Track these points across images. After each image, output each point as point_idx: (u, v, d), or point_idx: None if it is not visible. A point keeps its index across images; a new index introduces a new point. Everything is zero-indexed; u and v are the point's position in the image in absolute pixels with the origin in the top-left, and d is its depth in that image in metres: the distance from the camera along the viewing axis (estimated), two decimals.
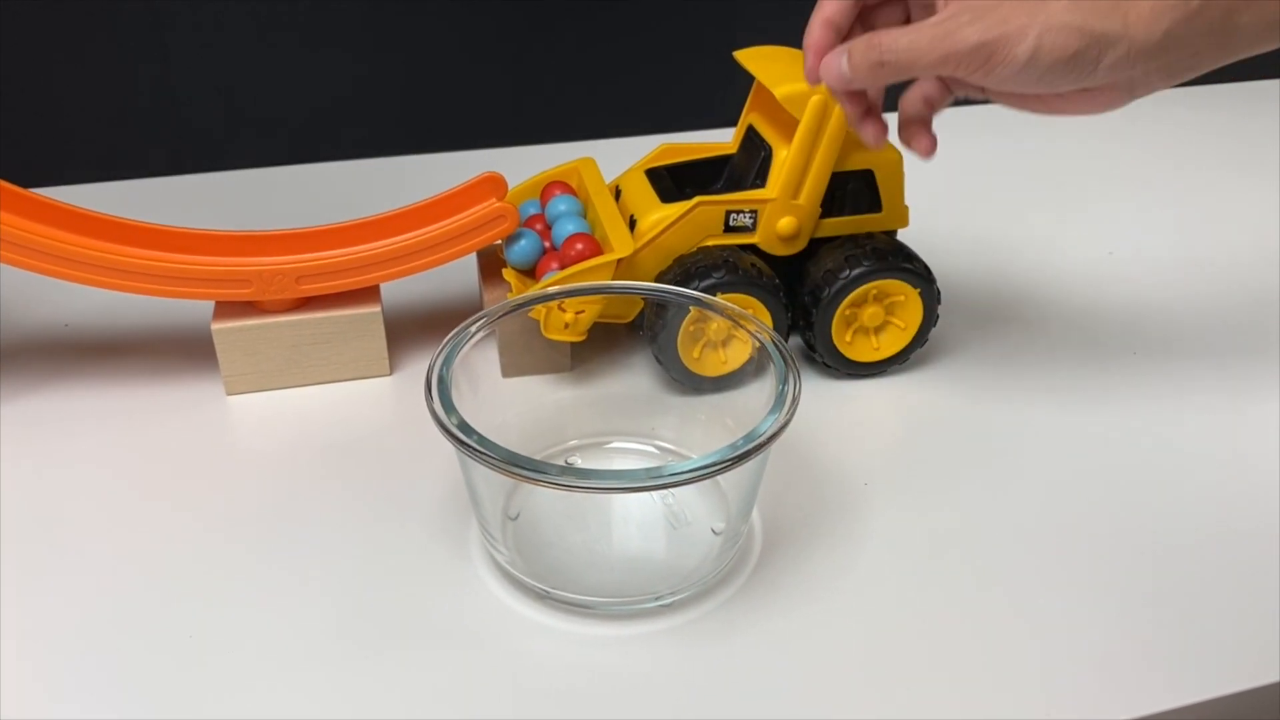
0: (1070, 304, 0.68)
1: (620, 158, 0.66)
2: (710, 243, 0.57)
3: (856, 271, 0.57)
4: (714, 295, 0.53)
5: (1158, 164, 0.91)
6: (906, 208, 0.60)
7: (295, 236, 0.58)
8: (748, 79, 0.61)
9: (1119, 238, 0.77)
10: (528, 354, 0.58)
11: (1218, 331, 0.66)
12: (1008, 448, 0.55)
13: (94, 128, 0.92)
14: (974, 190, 0.85)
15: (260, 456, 0.54)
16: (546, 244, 0.59)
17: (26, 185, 0.55)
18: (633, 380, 0.58)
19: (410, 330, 0.64)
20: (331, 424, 0.57)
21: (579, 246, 0.56)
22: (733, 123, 0.65)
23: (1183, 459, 0.55)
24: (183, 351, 0.62)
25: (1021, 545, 0.49)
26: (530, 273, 0.59)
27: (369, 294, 0.59)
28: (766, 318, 0.57)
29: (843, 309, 0.57)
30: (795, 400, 0.44)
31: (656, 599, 0.45)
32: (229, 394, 0.58)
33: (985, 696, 0.41)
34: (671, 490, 0.50)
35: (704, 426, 0.53)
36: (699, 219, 0.57)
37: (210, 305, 0.58)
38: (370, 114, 0.98)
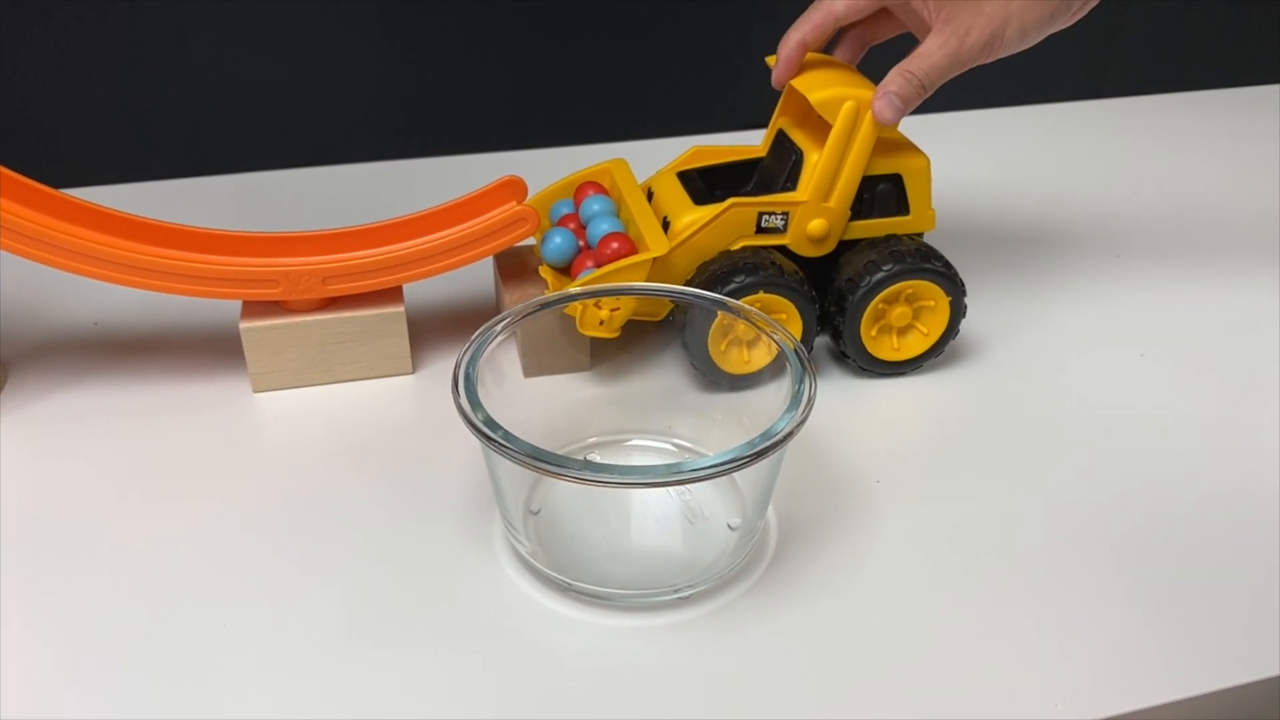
0: (1080, 307, 0.69)
1: (642, 160, 0.67)
2: (741, 244, 0.58)
3: (899, 267, 0.58)
4: (751, 294, 0.56)
5: (1161, 167, 0.91)
6: (933, 211, 0.61)
7: (321, 238, 0.59)
8: (769, 81, 0.62)
9: (1127, 241, 0.78)
10: (550, 353, 0.59)
11: (1220, 331, 0.67)
12: (1018, 448, 0.57)
13: (121, 130, 0.93)
14: (980, 194, 0.86)
15: (286, 452, 0.55)
16: (581, 243, 0.61)
17: (56, 186, 0.56)
18: (651, 379, 0.59)
19: (431, 330, 0.65)
20: (356, 420, 0.58)
21: (614, 245, 0.57)
22: (753, 125, 0.66)
23: (1192, 460, 0.56)
24: (211, 349, 0.63)
25: (1033, 543, 0.50)
26: (566, 271, 0.60)
27: (392, 294, 0.61)
28: (797, 318, 0.58)
29: (876, 303, 0.58)
30: (811, 401, 0.45)
31: (674, 592, 0.46)
32: (256, 391, 0.60)
33: (996, 692, 0.42)
34: (689, 486, 0.51)
35: (721, 425, 0.54)
36: (732, 220, 0.58)
37: (238, 305, 0.60)
38: (392, 116, 0.99)
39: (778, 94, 0.63)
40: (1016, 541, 0.50)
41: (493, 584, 0.47)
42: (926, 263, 0.58)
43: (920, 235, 0.61)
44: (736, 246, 0.58)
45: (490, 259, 0.63)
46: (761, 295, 0.57)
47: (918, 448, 0.56)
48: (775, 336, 0.49)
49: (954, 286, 0.59)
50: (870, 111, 0.56)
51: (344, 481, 0.53)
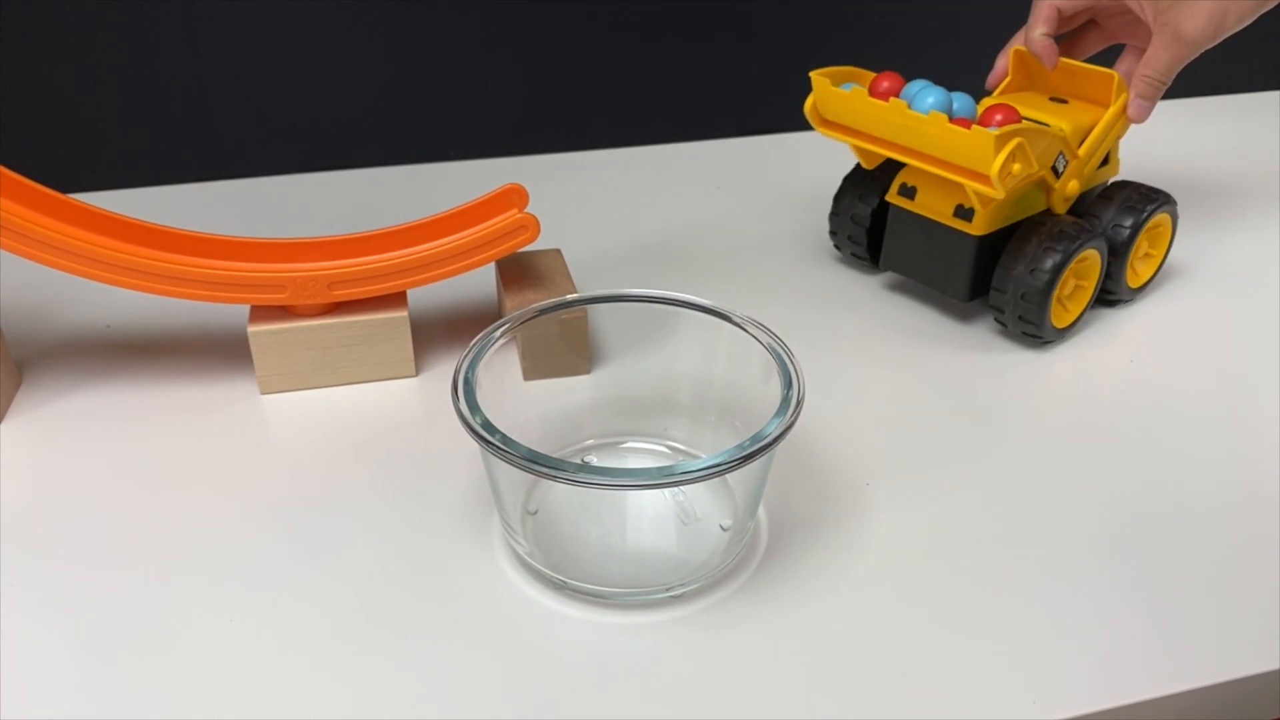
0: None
1: (650, 165, 0.68)
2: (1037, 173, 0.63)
3: (1152, 207, 0.67)
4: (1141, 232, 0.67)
5: (1164, 171, 0.92)
6: (1119, 159, 0.71)
7: (327, 244, 0.61)
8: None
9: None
10: (549, 358, 0.60)
11: (1221, 332, 0.68)
12: (1006, 449, 0.58)
13: (132, 136, 0.94)
14: None
15: (292, 453, 0.57)
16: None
17: (68, 191, 0.58)
18: (647, 384, 0.60)
19: (434, 333, 0.67)
20: (360, 422, 0.59)
21: (999, 117, 0.60)
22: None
23: (1180, 459, 0.57)
24: (219, 352, 0.64)
25: (1019, 543, 0.51)
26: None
27: (396, 299, 0.62)
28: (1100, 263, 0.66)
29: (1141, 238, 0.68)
30: (799, 404, 0.46)
31: (667, 590, 0.48)
32: (263, 393, 0.61)
33: (982, 689, 0.44)
34: (682, 487, 0.52)
35: (714, 428, 0.55)
36: (1056, 145, 0.63)
37: (246, 309, 0.61)
38: (399, 122, 1.00)
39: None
40: (1003, 542, 0.51)
41: (491, 582, 0.49)
42: (1157, 195, 0.68)
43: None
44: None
45: (492, 264, 0.64)
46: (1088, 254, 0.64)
47: (907, 450, 0.57)
48: (763, 340, 0.50)
49: (1172, 204, 0.69)
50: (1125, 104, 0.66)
51: (348, 481, 0.55)
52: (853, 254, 0.75)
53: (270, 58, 0.94)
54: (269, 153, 0.97)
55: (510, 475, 0.48)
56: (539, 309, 0.54)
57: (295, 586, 0.48)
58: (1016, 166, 0.58)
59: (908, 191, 0.68)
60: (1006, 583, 0.49)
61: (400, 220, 0.62)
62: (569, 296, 0.56)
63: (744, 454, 0.43)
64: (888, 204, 0.69)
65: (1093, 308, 0.68)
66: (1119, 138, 0.69)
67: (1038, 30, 0.69)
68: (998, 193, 0.59)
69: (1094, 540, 0.51)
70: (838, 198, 0.74)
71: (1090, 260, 0.65)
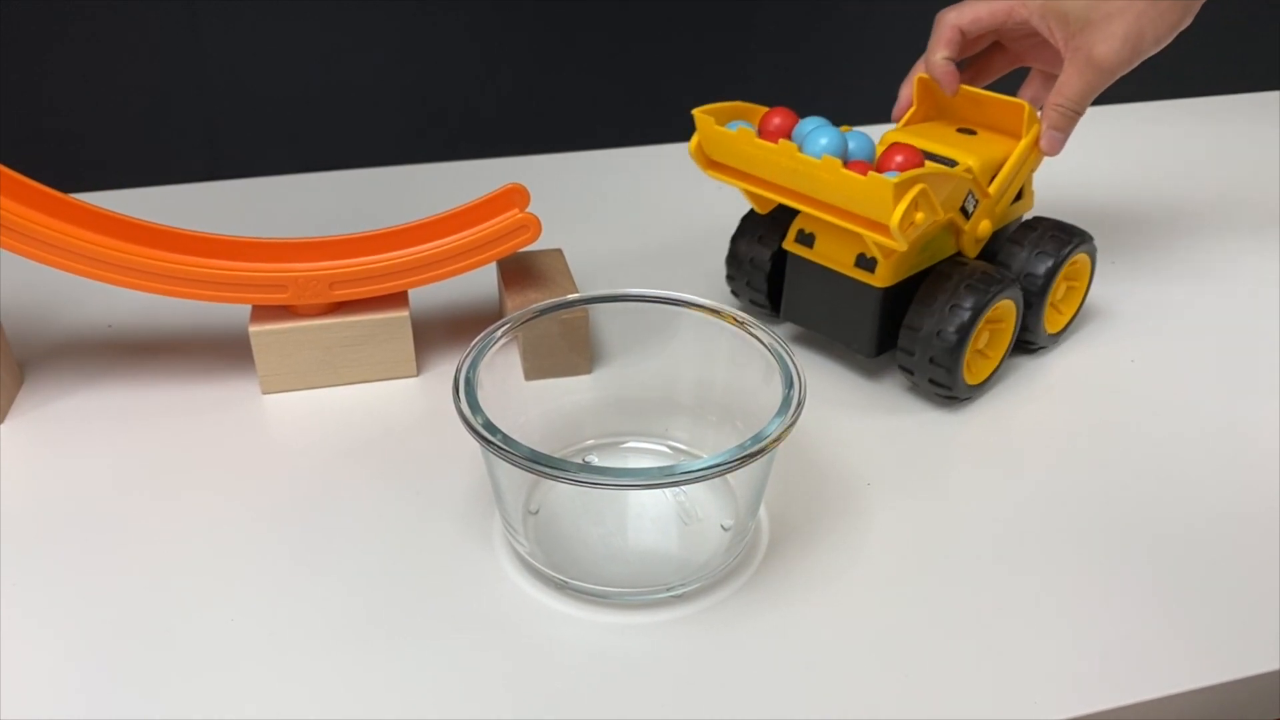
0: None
1: (650, 165, 0.68)
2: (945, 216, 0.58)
3: (1068, 249, 0.63)
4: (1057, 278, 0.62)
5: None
6: (1034, 193, 0.66)
7: (329, 244, 0.61)
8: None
9: (1121, 246, 0.79)
10: (549, 358, 0.60)
11: (1220, 333, 0.68)
12: (1005, 450, 0.58)
13: (135, 136, 0.95)
14: None
15: (294, 452, 0.57)
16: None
17: (70, 191, 0.58)
18: (648, 383, 0.60)
19: (435, 333, 0.67)
20: (361, 422, 0.59)
21: (900, 159, 0.56)
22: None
23: (1182, 461, 0.57)
24: (221, 352, 0.65)
25: (1019, 544, 0.51)
26: None
27: (397, 299, 0.62)
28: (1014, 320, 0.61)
29: (1058, 280, 0.63)
30: (800, 404, 0.46)
31: (668, 590, 0.48)
32: (264, 393, 0.61)
33: (981, 688, 0.44)
34: (683, 487, 0.52)
35: (715, 428, 0.55)
36: (964, 186, 0.59)
37: (247, 309, 0.61)
38: (401, 122, 1.00)
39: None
40: (1003, 542, 0.51)
41: (492, 582, 0.49)
42: (1074, 234, 0.63)
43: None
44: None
45: (493, 264, 0.65)
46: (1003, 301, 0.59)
47: (907, 450, 0.58)
48: (764, 341, 0.50)
49: (1089, 242, 0.64)
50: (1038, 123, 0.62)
51: (349, 481, 0.55)
52: (752, 301, 0.68)
53: (272, 58, 0.94)
54: (271, 152, 0.97)
55: (511, 475, 0.48)
56: (540, 309, 0.54)
57: (296, 586, 0.48)
58: (919, 215, 0.53)
59: (805, 239, 0.62)
60: (1005, 584, 0.49)
61: (401, 220, 0.62)
62: (570, 296, 0.56)
63: (745, 454, 0.43)
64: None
65: (1010, 356, 0.63)
66: (1032, 170, 0.64)
67: (939, 54, 0.64)
68: (899, 245, 0.54)
69: (1092, 540, 0.51)
70: (735, 239, 0.68)
71: (1005, 310, 0.60)
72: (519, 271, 0.65)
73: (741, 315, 0.52)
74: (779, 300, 0.66)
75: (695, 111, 0.60)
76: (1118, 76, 0.60)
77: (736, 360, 0.52)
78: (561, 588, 0.48)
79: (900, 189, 0.52)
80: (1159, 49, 0.60)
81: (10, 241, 0.55)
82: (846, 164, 0.55)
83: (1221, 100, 1.10)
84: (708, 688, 0.44)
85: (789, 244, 0.63)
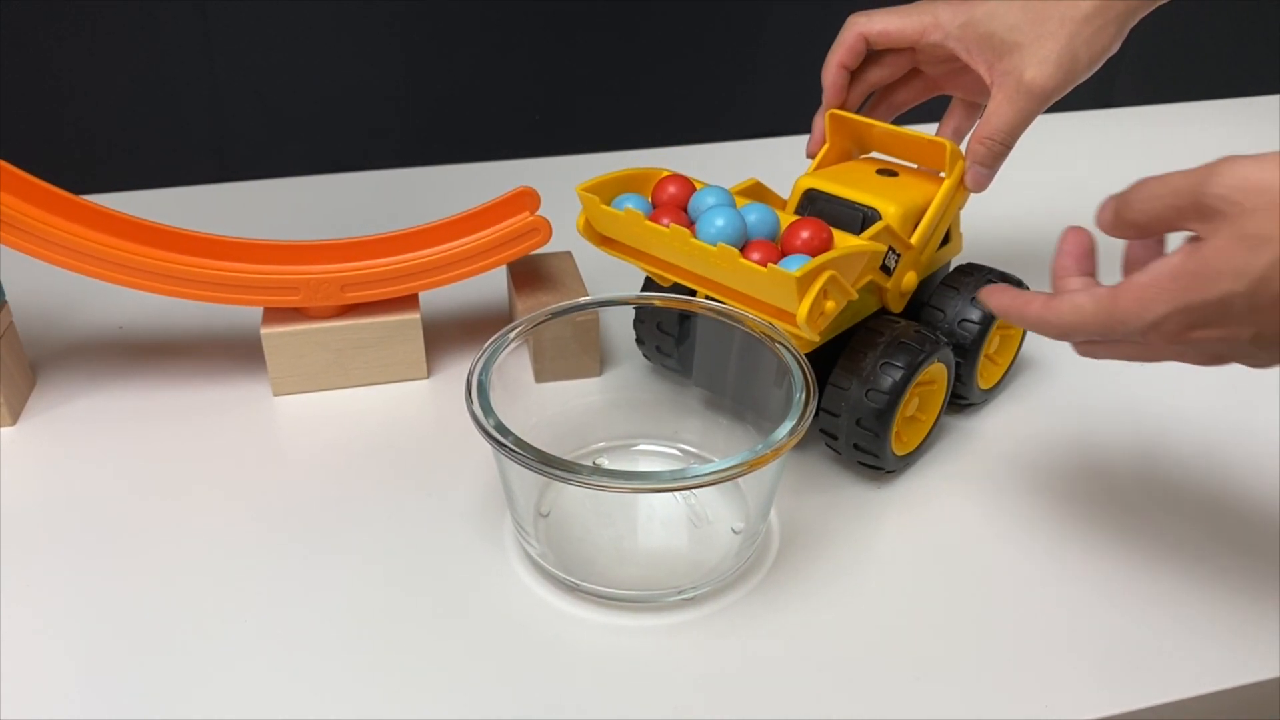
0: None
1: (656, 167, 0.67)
2: (866, 279, 0.53)
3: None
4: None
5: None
6: (961, 234, 0.61)
7: (340, 246, 0.61)
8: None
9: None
10: (561, 360, 0.60)
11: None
12: (1013, 456, 0.58)
13: (147, 137, 0.95)
14: (989, 204, 0.86)
15: (305, 454, 0.57)
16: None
17: (82, 192, 0.58)
18: (658, 386, 0.61)
19: (446, 336, 0.67)
20: (373, 424, 0.59)
21: (805, 234, 0.50)
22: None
23: (1188, 466, 0.57)
24: (232, 354, 0.65)
25: (1026, 548, 0.51)
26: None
27: (408, 301, 0.62)
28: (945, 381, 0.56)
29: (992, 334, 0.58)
30: (812, 409, 0.46)
31: (679, 593, 0.48)
32: (276, 394, 0.61)
33: (990, 693, 0.44)
34: (694, 491, 0.52)
35: (725, 430, 0.55)
36: (879, 253, 0.53)
37: (259, 311, 0.62)
38: (411, 124, 1.00)
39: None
40: (1011, 546, 0.51)
41: (503, 584, 0.49)
42: (1006, 281, 0.58)
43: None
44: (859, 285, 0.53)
45: (504, 267, 0.65)
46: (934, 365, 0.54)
47: (916, 455, 0.57)
48: (776, 344, 0.51)
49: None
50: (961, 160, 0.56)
51: (360, 482, 0.55)
52: (664, 365, 0.62)
53: (283, 59, 0.94)
54: (282, 154, 0.97)
55: (523, 477, 0.49)
56: (552, 311, 0.54)
57: (308, 587, 0.48)
58: (829, 305, 0.48)
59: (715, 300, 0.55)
60: (1014, 588, 0.49)
61: (412, 222, 0.62)
62: (582, 299, 0.56)
63: (756, 458, 0.43)
64: None
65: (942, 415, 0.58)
66: (959, 209, 0.59)
67: (835, 59, 0.59)
68: (809, 335, 0.49)
69: (1100, 545, 0.51)
70: (640, 310, 0.61)
71: (935, 372, 0.55)
72: (529, 274, 0.65)
73: (754, 317, 0.52)
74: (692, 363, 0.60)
75: (578, 189, 0.54)
76: (1050, 103, 0.55)
77: (748, 363, 0.52)
78: (572, 590, 0.48)
79: (805, 282, 0.47)
80: (1091, 73, 0.55)
81: (22, 243, 0.55)
82: (747, 244, 0.51)
83: (1159, 109, 1.10)
84: (719, 691, 0.44)
85: (697, 305, 0.55)
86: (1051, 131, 1.01)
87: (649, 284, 0.60)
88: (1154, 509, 0.54)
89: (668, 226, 0.51)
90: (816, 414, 0.53)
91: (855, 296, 0.50)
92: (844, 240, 0.52)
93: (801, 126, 0.64)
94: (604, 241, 0.57)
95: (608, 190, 0.55)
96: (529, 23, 0.97)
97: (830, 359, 0.54)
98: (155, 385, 0.63)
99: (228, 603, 0.48)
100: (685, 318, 0.58)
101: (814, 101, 0.62)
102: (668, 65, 1.03)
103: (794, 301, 0.48)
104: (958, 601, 0.48)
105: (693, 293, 0.56)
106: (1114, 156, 0.96)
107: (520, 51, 0.99)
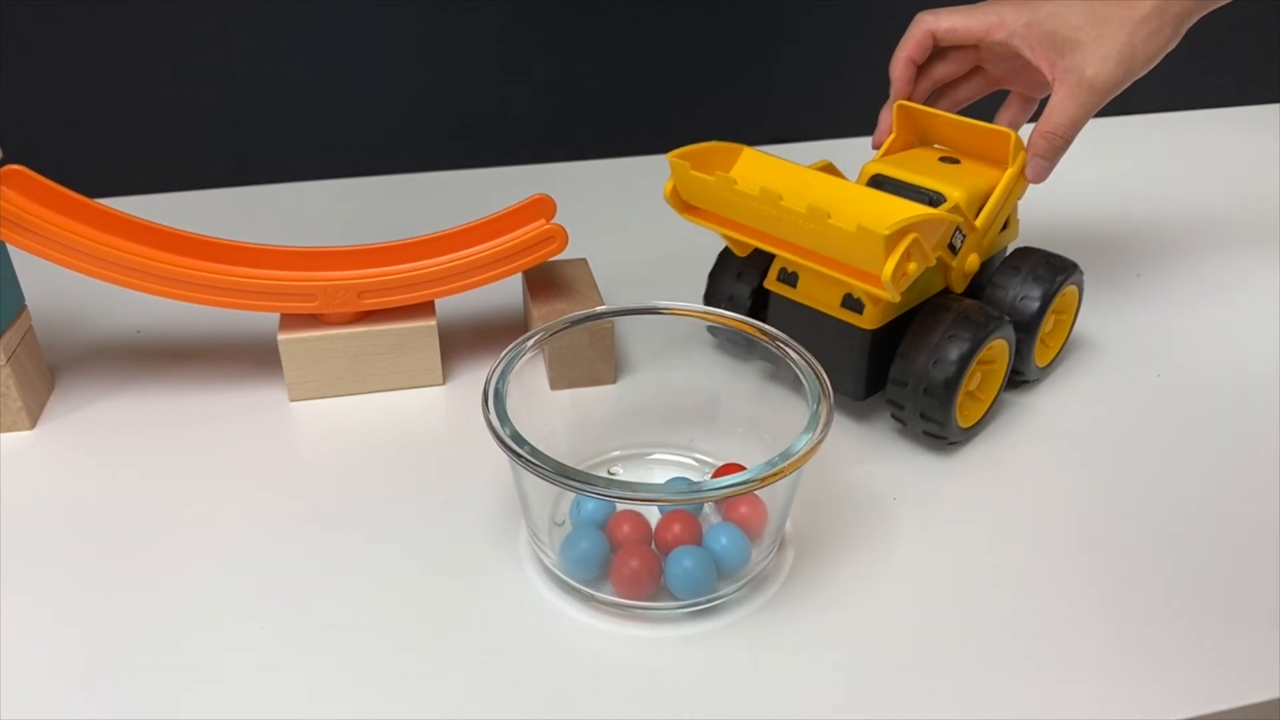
0: (1098, 325, 0.70)
1: (654, 174, 0.67)
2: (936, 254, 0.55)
3: (1057, 283, 0.60)
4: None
5: (1173, 184, 0.92)
6: (1019, 221, 0.64)
7: (357, 253, 0.61)
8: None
9: (1146, 260, 0.78)
10: (576, 367, 0.61)
11: (1225, 342, 0.68)
12: (1030, 464, 0.58)
13: (165, 142, 0.95)
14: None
15: (321, 459, 0.57)
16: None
17: (97, 196, 0.58)
18: (673, 394, 0.60)
19: (462, 342, 0.67)
20: (388, 430, 0.60)
21: (676, 528, 0.49)
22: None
23: (1207, 479, 0.56)
24: (249, 360, 0.65)
25: (1044, 559, 0.51)
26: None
27: (424, 308, 0.62)
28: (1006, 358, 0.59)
29: (1049, 314, 0.61)
30: (828, 421, 0.46)
31: (693, 603, 0.48)
32: (292, 400, 0.62)
33: (1007, 703, 0.44)
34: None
35: (741, 439, 0.55)
36: (952, 225, 0.56)
37: (276, 317, 0.62)
38: (427, 129, 1.01)
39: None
40: (1028, 557, 0.51)
41: (518, 593, 0.49)
42: (1063, 266, 0.61)
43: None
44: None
45: (520, 274, 0.65)
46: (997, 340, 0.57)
47: (932, 464, 0.57)
48: (792, 356, 0.50)
49: (1079, 272, 0.62)
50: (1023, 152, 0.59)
51: (375, 489, 0.55)
52: (730, 340, 0.59)
53: (300, 64, 0.95)
54: (299, 158, 0.98)
55: (539, 487, 0.49)
56: (569, 320, 0.54)
57: (322, 592, 0.49)
58: (912, 266, 0.51)
59: (788, 278, 0.59)
60: (1029, 599, 0.49)
61: (429, 226, 0.62)
62: (600, 309, 0.56)
63: (772, 470, 0.43)
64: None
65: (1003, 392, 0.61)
66: (1018, 199, 0.62)
67: (903, 54, 0.62)
68: (892, 296, 0.52)
69: (1119, 558, 0.51)
70: (713, 276, 0.65)
71: (998, 350, 0.58)
72: (544, 281, 0.65)
73: (771, 329, 0.52)
74: None
75: (670, 156, 0.57)
76: (1109, 99, 0.58)
77: (764, 373, 0.52)
78: (587, 600, 0.48)
79: (892, 241, 0.49)
80: (1149, 69, 0.58)
81: (41, 248, 0.56)
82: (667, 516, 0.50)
83: (1226, 113, 1.10)
84: (734, 701, 0.44)
85: (770, 283, 0.60)
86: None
87: (726, 255, 0.64)
88: (1177, 520, 0.53)
89: (758, 192, 0.53)
90: (884, 385, 0.57)
91: (933, 262, 0.53)
92: (919, 210, 0.53)
93: (828, 132, 0.64)
94: (688, 209, 0.59)
95: (695, 160, 0.57)
96: (545, 26, 0.97)
97: (896, 336, 0.57)
98: (173, 390, 0.63)
99: (244, 606, 0.48)
100: (759, 293, 0.61)
101: (834, 107, 0.62)
102: (687, 69, 1.03)
103: (879, 262, 0.50)
104: (974, 611, 0.48)
105: (763, 260, 0.60)
106: (1132, 162, 0.96)
107: (537, 56, 0.99)
